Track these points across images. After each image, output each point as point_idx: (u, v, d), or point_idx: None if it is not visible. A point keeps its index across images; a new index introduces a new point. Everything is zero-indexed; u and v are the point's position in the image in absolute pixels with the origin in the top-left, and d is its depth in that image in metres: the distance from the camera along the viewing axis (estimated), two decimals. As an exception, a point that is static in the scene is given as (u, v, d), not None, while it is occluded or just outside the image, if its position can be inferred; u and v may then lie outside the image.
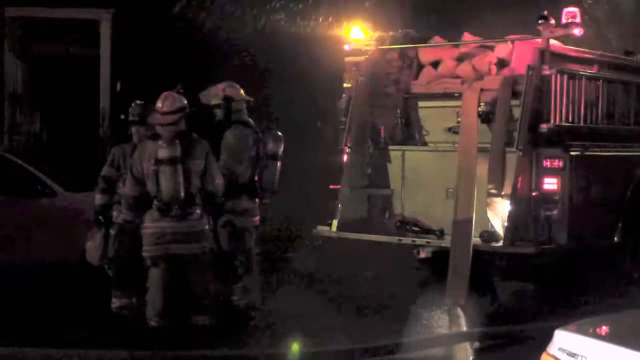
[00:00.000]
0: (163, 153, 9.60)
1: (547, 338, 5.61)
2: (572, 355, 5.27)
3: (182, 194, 9.57)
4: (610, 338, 5.44)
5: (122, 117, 11.11)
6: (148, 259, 9.76)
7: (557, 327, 5.62)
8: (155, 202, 9.66)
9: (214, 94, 10.80)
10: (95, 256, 10.62)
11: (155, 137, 9.89)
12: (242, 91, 10.90)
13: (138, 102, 10.93)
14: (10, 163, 13.39)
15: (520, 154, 11.87)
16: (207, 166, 9.77)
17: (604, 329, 5.70)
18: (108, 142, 18.80)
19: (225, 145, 10.49)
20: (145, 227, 9.75)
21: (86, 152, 18.43)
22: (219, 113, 10.74)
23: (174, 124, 9.77)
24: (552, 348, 5.46)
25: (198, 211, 9.73)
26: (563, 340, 5.42)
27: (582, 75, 12.63)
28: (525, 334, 9.85)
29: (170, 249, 9.68)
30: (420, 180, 13.06)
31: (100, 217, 10.68)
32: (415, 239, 12.65)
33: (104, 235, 10.59)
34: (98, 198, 10.73)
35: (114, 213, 10.59)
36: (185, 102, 9.95)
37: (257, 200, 10.81)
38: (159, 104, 9.87)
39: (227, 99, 10.73)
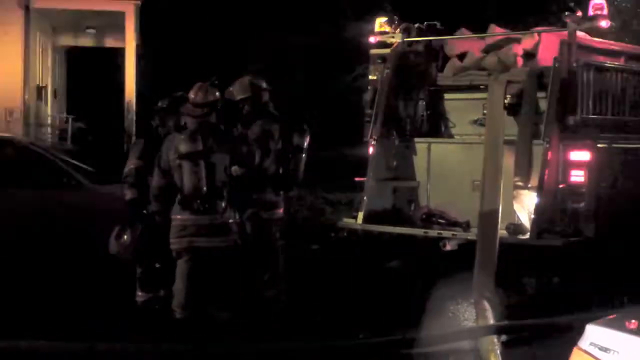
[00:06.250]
0: (184, 147, 9.57)
1: (578, 332, 5.56)
2: (605, 349, 5.22)
3: (205, 188, 9.53)
4: (643, 332, 5.38)
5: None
6: (173, 251, 9.78)
7: (588, 321, 5.56)
8: (178, 195, 9.66)
9: (238, 88, 10.80)
10: (129, 251, 10.29)
11: (183, 128, 9.90)
12: (264, 83, 10.90)
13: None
14: (36, 155, 13.40)
15: (547, 146, 11.81)
16: (231, 159, 9.77)
17: (637, 323, 5.64)
18: (133, 135, 18.88)
19: (252, 137, 10.48)
20: (172, 220, 9.76)
21: (112, 144, 18.50)
22: (246, 107, 10.74)
23: (203, 116, 9.75)
24: (584, 343, 5.40)
25: (223, 204, 9.70)
26: (595, 334, 5.37)
27: (609, 67, 12.55)
28: (554, 328, 9.76)
29: (194, 242, 9.67)
30: (446, 173, 13.03)
31: (134, 212, 10.29)
32: (441, 232, 12.59)
33: (138, 230, 10.24)
34: (129, 193, 10.33)
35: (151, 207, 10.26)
36: (218, 95, 9.93)
37: (281, 192, 10.82)
38: (191, 94, 9.85)
39: (254, 92, 10.73)
